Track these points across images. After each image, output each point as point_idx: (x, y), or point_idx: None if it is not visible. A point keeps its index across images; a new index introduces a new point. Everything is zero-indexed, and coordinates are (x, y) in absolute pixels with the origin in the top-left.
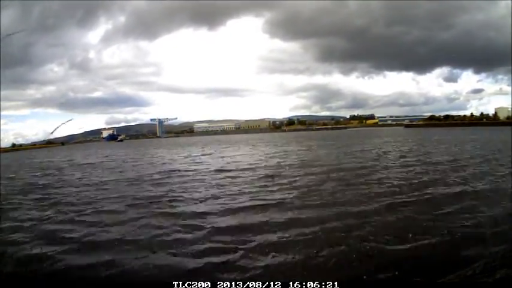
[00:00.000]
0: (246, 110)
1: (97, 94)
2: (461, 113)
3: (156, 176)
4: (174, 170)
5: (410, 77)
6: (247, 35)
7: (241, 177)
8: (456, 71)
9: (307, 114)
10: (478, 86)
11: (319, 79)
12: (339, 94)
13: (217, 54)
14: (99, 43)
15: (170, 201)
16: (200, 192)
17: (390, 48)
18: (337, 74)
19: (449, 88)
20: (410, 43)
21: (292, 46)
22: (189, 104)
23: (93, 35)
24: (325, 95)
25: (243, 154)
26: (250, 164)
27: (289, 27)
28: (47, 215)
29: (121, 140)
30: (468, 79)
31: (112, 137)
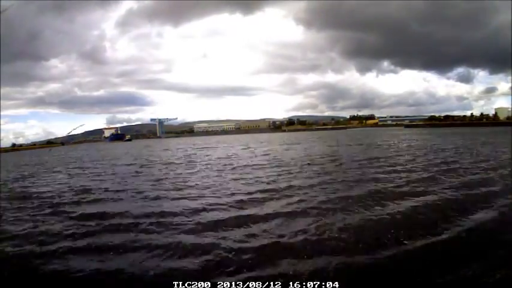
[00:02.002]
0: (246, 110)
1: (99, 93)
2: (467, 112)
3: None
4: None
5: (428, 76)
6: (277, 24)
7: None
8: (474, 71)
9: (311, 114)
10: (492, 85)
11: (331, 77)
12: (347, 93)
13: (233, 49)
14: (116, 28)
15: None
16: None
17: (419, 46)
18: (351, 72)
19: (461, 88)
20: (439, 42)
21: (321, 37)
22: (189, 104)
23: (112, 18)
24: (334, 94)
25: None
26: None
27: (327, 16)
28: None
29: (129, 140)
30: (483, 79)
31: (117, 137)
